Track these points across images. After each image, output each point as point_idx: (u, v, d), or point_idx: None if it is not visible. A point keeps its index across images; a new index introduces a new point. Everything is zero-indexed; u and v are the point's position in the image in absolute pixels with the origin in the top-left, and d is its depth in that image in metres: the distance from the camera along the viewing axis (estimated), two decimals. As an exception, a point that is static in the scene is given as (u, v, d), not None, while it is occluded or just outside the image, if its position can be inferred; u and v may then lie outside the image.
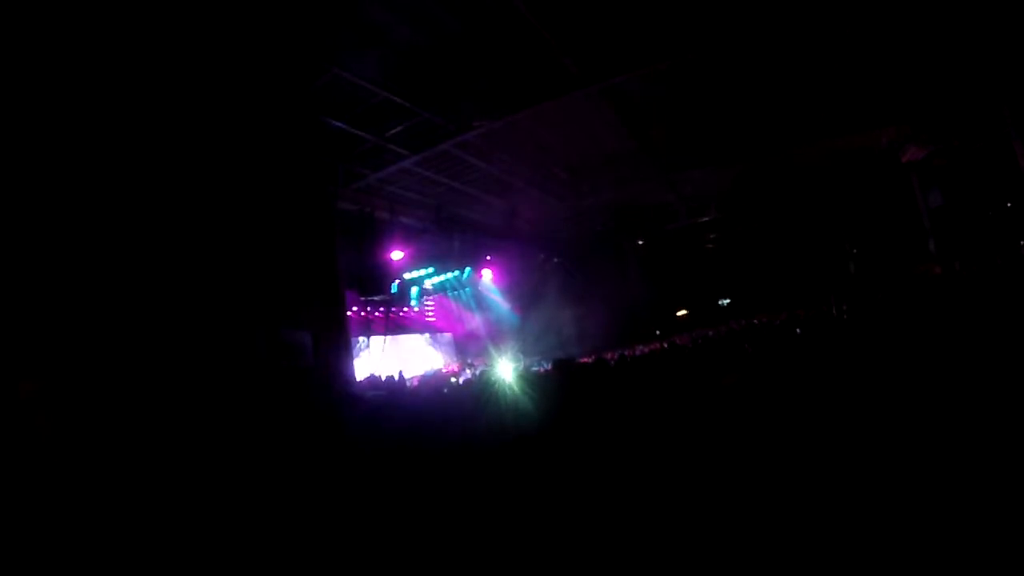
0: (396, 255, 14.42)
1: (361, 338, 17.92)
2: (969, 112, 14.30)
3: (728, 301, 26.53)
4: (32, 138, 5.92)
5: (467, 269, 20.23)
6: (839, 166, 19.60)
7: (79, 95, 6.38)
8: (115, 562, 2.17)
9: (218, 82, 8.59)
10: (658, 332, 21.03)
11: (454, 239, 15.43)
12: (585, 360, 10.34)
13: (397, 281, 16.38)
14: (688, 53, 9.92)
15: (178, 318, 7.58)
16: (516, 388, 4.50)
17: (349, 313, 13.93)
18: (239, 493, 2.71)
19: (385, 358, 17.87)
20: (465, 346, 22.62)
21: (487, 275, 20.85)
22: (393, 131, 11.37)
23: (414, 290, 21.14)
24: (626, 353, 13.18)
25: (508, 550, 1.88)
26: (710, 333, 13.52)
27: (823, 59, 12.07)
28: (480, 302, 22.74)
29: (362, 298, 14.09)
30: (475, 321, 22.45)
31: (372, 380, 12.57)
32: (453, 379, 12.83)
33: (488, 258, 19.94)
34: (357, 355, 14.61)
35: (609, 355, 13.27)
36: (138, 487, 2.91)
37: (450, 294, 22.76)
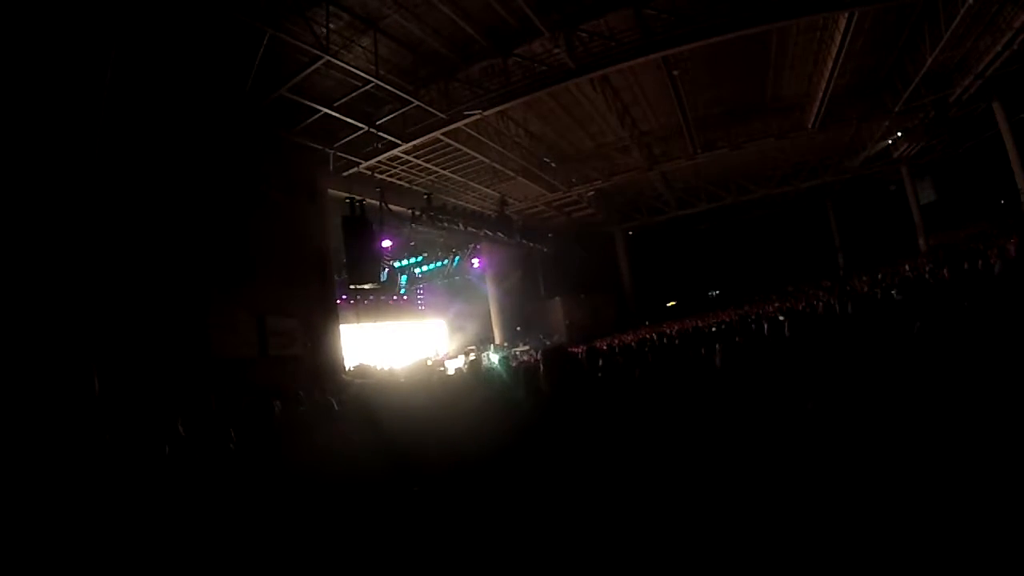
0: (386, 243, 14.31)
1: (351, 326, 17.84)
2: (962, 108, 14.42)
3: (717, 292, 26.78)
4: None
5: (456, 257, 20.15)
6: (831, 160, 19.74)
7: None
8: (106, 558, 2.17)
9: (205, 80, 8.50)
10: (647, 322, 21.19)
11: (444, 227, 15.34)
12: (575, 349, 10.40)
13: (386, 269, 16.27)
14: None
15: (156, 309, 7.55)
16: (505, 377, 4.53)
17: (338, 301, 13.83)
18: (222, 484, 2.72)
19: (374, 346, 17.82)
20: (454, 334, 22.60)
21: (477, 264, 20.80)
22: (384, 119, 11.23)
23: (403, 278, 21.05)
24: (615, 342, 13.28)
25: (501, 544, 1.90)
26: (699, 323, 13.65)
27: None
28: (469, 290, 22.70)
29: (351, 286, 13.96)
30: (464, 310, 22.41)
31: (361, 368, 12.54)
32: (442, 368, 12.84)
33: (478, 247, 19.87)
34: (346, 343, 14.52)
35: (599, 343, 13.36)
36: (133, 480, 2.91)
37: (439, 282, 22.69)
